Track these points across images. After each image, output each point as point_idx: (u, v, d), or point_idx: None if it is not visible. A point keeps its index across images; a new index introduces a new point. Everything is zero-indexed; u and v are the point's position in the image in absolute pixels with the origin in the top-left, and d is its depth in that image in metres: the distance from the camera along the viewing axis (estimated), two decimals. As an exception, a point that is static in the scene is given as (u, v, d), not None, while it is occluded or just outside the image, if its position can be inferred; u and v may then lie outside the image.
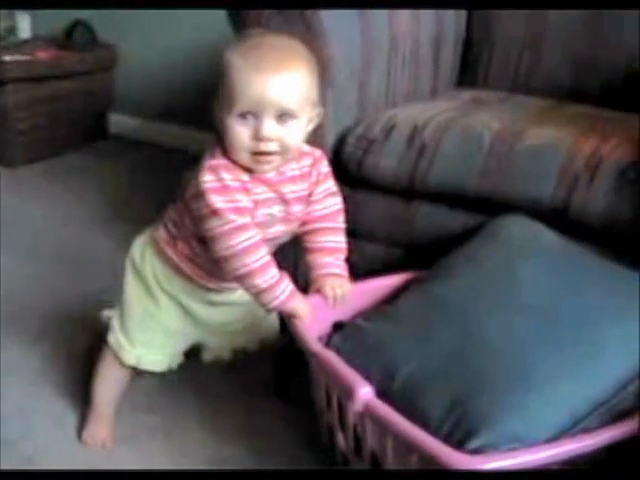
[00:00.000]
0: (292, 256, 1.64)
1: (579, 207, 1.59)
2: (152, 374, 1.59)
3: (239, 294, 1.52)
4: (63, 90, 3.19)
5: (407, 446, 1.21)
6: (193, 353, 1.62)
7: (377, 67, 1.90)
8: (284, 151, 1.36)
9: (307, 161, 1.46)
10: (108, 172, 3.10)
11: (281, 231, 1.46)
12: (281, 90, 1.32)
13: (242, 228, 1.35)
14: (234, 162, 1.37)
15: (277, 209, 1.42)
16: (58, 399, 1.70)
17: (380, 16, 1.91)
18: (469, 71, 2.33)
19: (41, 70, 3.08)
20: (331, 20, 1.75)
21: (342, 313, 1.54)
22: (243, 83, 1.32)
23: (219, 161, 1.37)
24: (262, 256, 1.38)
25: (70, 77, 3.21)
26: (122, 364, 1.56)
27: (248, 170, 1.38)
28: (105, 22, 3.32)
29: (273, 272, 1.39)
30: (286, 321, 1.46)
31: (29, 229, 2.50)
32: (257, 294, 1.40)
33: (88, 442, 1.59)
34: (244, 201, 1.37)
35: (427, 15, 2.10)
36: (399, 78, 2.00)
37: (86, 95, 3.32)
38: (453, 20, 2.25)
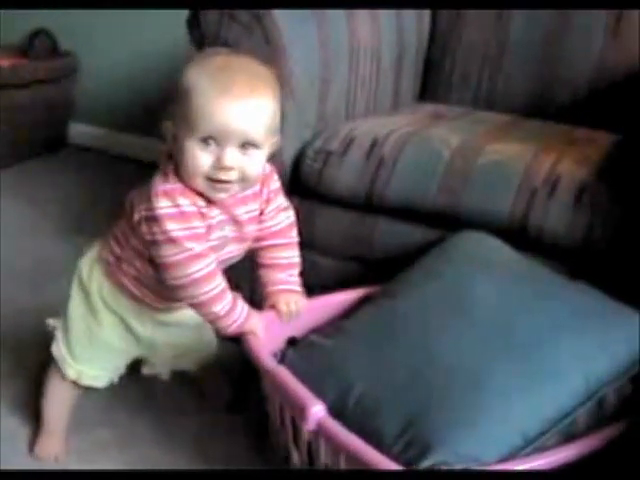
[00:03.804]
0: (248, 272, 1.62)
1: (537, 224, 1.59)
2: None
3: (186, 313, 1.50)
4: (23, 98, 3.14)
5: (360, 465, 1.20)
6: (132, 366, 1.60)
7: (337, 80, 1.89)
8: (243, 180, 1.32)
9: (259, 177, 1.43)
10: (68, 182, 3.06)
11: (234, 250, 1.44)
12: (248, 119, 1.27)
13: (199, 256, 1.32)
14: (188, 186, 1.32)
15: (229, 229, 1.39)
16: (10, 415, 1.67)
17: (340, 28, 1.91)
18: (430, 85, 2.33)
19: (1, 78, 3.03)
20: (290, 31, 1.74)
21: (297, 329, 1.52)
22: (208, 107, 1.26)
23: (174, 185, 1.32)
24: (219, 284, 1.35)
25: (30, 85, 3.15)
26: (65, 377, 1.53)
27: (201, 194, 1.33)
28: (66, 31, 3.28)
29: (229, 298, 1.37)
30: (240, 337, 1.44)
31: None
32: (214, 320, 1.38)
33: (40, 457, 1.57)
34: (200, 227, 1.33)
35: (388, 28, 2.10)
36: (359, 91, 1.99)
37: (46, 104, 3.27)
38: (414, 34, 2.24)
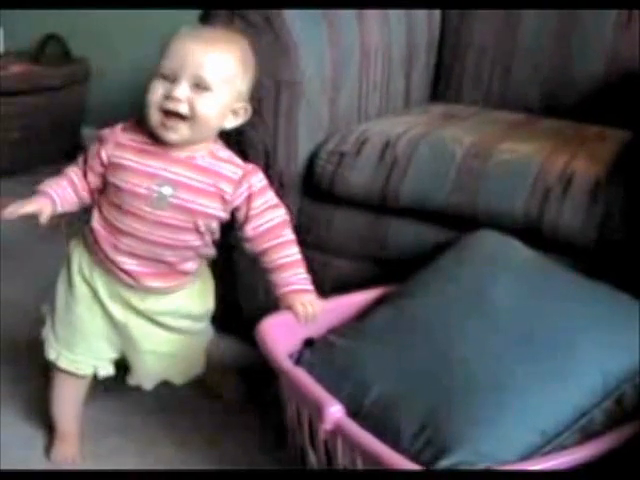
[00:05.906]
0: (263, 273, 1.62)
1: (551, 222, 1.59)
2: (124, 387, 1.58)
3: (161, 306, 1.52)
4: (36, 105, 3.15)
5: (377, 465, 1.20)
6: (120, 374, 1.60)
7: (348, 81, 1.90)
8: (193, 118, 1.38)
9: (238, 170, 1.45)
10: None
11: (180, 220, 1.43)
12: (203, 59, 1.37)
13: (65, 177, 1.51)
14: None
15: (169, 190, 1.42)
16: (26, 419, 1.67)
17: (350, 29, 1.90)
18: (442, 86, 2.33)
19: (14, 84, 3.04)
20: (301, 33, 1.74)
21: (313, 329, 1.52)
22: (174, 47, 1.39)
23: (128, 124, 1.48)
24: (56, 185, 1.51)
25: (43, 91, 3.17)
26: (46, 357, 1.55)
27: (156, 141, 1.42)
28: (78, 36, 3.29)
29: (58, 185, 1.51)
30: (256, 338, 1.44)
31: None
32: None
33: (56, 461, 1.57)
34: (98, 166, 1.46)
35: (399, 29, 2.10)
36: (371, 92, 1.99)
37: (59, 109, 3.28)
38: (425, 34, 2.24)
